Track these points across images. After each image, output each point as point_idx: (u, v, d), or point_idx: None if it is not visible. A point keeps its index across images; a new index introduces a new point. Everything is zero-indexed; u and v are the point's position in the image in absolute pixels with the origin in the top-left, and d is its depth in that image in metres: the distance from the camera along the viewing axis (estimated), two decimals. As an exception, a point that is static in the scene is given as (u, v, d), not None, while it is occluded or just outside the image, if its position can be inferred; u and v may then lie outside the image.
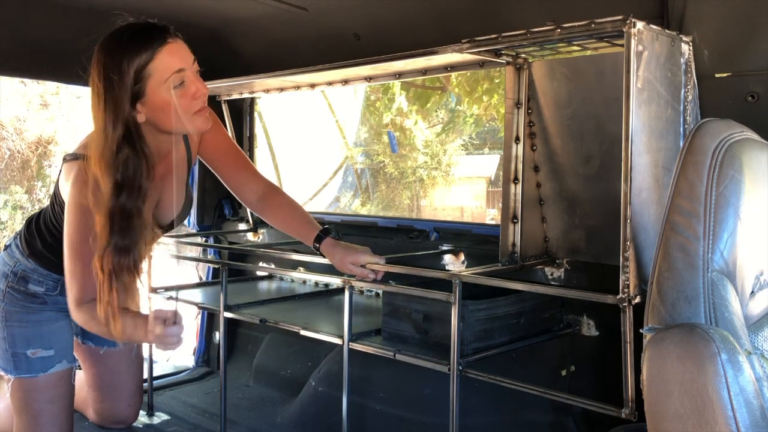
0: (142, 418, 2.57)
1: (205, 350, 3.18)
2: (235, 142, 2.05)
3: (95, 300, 1.65)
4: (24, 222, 1.99)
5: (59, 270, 1.84)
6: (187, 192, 1.96)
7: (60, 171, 1.79)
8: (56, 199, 1.82)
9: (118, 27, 1.63)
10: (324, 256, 1.91)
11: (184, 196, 1.94)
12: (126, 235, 1.62)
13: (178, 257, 2.85)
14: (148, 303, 2.55)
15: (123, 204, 1.61)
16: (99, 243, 1.61)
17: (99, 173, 1.61)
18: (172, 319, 1.61)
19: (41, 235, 1.90)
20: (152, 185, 1.75)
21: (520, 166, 1.97)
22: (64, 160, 1.75)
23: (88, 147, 1.67)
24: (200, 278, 3.09)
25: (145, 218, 1.68)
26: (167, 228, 1.96)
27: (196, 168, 3.06)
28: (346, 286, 1.95)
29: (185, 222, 3.11)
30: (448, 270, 2.26)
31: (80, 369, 2.22)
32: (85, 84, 1.66)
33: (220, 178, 2.02)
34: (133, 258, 1.65)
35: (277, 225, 2.06)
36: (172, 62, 1.61)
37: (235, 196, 2.05)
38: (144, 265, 1.74)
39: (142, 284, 1.73)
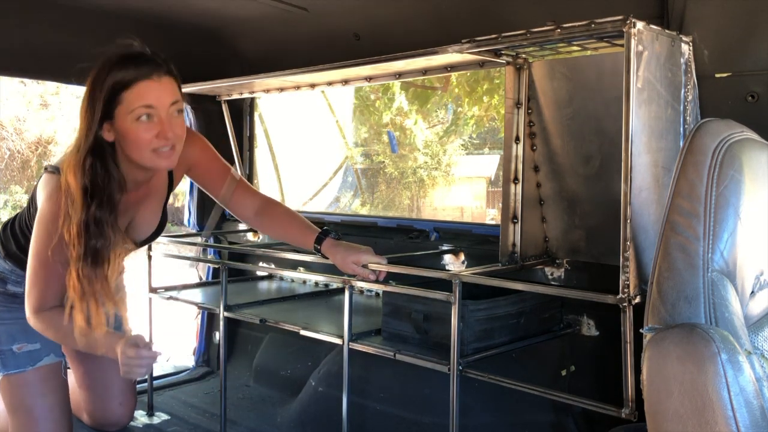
0: (142, 418, 2.57)
1: (205, 350, 3.17)
2: (225, 161, 2.05)
3: (56, 308, 1.70)
4: (1, 225, 2.01)
5: None
6: (163, 214, 1.98)
7: (39, 178, 1.81)
8: (32, 203, 1.84)
9: (126, 50, 1.66)
10: (326, 258, 1.91)
11: (159, 217, 1.96)
12: (97, 245, 1.65)
13: (178, 257, 2.85)
14: (148, 303, 2.56)
15: (94, 214, 1.64)
16: (73, 253, 1.64)
17: (70, 177, 1.65)
18: (146, 347, 1.67)
19: (16, 237, 1.92)
20: (126, 204, 1.78)
21: (520, 166, 1.97)
22: (45, 170, 1.77)
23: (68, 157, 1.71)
24: (200, 278, 3.08)
25: (117, 231, 1.71)
26: (139, 245, 1.98)
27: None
28: (346, 286, 1.94)
29: (185, 222, 3.12)
30: (448, 270, 2.26)
31: (70, 369, 2.20)
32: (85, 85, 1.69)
33: (214, 198, 2.04)
34: (104, 269, 1.68)
35: (276, 235, 2.12)
36: (145, 96, 1.62)
37: (232, 213, 2.09)
38: (116, 274, 1.76)
39: (119, 290, 1.76)
